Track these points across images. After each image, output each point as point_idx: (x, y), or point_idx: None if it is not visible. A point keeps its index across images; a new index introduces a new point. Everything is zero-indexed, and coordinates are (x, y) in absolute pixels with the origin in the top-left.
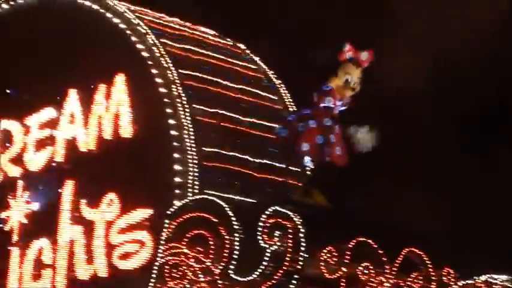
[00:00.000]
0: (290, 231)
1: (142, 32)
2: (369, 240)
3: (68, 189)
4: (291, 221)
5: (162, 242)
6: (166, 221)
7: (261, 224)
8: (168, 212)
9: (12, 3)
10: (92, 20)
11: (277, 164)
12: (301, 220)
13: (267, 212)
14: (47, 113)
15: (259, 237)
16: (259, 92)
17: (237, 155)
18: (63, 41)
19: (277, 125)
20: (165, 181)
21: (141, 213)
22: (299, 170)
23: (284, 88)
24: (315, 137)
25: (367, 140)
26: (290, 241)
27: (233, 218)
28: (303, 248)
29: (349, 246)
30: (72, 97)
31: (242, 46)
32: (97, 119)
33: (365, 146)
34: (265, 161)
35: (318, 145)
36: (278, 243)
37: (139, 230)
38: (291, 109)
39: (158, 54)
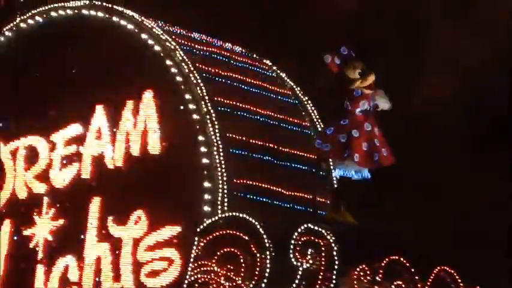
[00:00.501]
0: (323, 249)
1: (171, 47)
2: (401, 259)
3: (94, 206)
4: (324, 238)
5: (191, 259)
6: (196, 238)
7: (292, 241)
8: (198, 230)
9: (45, 16)
10: (119, 36)
11: (306, 182)
12: (334, 238)
13: (299, 230)
14: (74, 129)
15: (291, 255)
16: (288, 108)
17: (266, 172)
18: (90, 56)
19: (305, 142)
20: (194, 198)
21: (170, 231)
22: (326, 187)
23: (311, 104)
24: (362, 146)
25: (385, 102)
26: (323, 259)
27: (264, 236)
28: (336, 267)
29: (382, 264)
30: (99, 113)
31: (268, 62)
32: (124, 135)
33: (385, 106)
34: (294, 178)
35: (366, 152)
36: (310, 261)
37: (167, 248)
38: (318, 125)
39: (187, 71)
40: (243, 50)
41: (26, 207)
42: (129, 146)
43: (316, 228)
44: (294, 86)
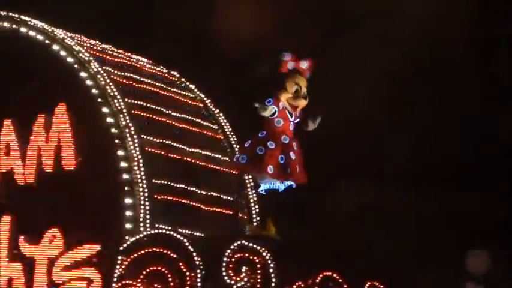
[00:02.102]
0: (258, 266)
1: (85, 59)
2: (334, 274)
3: (4, 225)
4: (260, 255)
5: (114, 279)
6: (119, 257)
7: (225, 259)
8: (121, 248)
9: None
10: (28, 47)
11: (223, 196)
12: (270, 254)
13: (232, 247)
14: None
15: (224, 273)
16: (201, 121)
17: (185, 187)
18: None
19: (219, 155)
20: (114, 215)
21: (88, 250)
22: (244, 201)
23: (223, 117)
24: (277, 158)
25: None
26: (259, 277)
27: (194, 253)
28: (273, 284)
29: (317, 281)
30: (7, 128)
31: (176, 73)
32: (36, 150)
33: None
34: (211, 193)
35: (280, 165)
36: (245, 279)
37: (86, 267)
38: (231, 138)
39: (103, 83)
40: (149, 61)
41: None
42: (41, 161)
43: (250, 244)
44: (205, 98)
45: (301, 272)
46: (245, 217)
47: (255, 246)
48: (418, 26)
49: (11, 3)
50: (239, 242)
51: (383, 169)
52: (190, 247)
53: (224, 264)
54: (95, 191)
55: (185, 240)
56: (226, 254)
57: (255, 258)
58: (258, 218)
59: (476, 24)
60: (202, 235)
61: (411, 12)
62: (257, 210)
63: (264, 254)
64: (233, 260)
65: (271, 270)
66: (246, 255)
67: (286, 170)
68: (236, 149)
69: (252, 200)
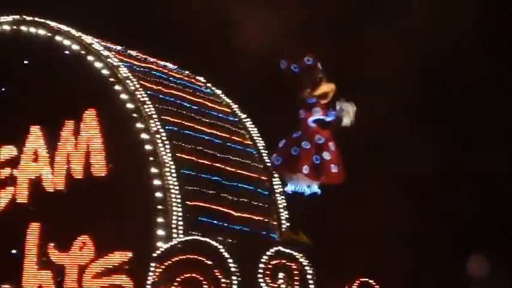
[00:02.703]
0: (296, 272)
1: (114, 64)
2: (371, 281)
3: (33, 232)
4: (297, 261)
5: (148, 287)
6: (153, 264)
7: (262, 265)
8: (155, 255)
9: None
10: (56, 52)
11: (253, 202)
12: (307, 260)
13: (268, 253)
14: (6, 151)
15: (260, 280)
16: (229, 127)
17: (215, 193)
18: (24, 74)
19: (248, 161)
20: (146, 222)
21: (119, 257)
22: (273, 207)
23: (250, 121)
24: (312, 158)
25: (346, 117)
26: (296, 283)
27: (229, 260)
28: None
29: (354, 286)
30: (35, 134)
31: (202, 79)
32: (65, 157)
33: (346, 120)
34: (241, 198)
35: (315, 165)
36: (282, 286)
37: (118, 275)
38: (259, 143)
39: (133, 88)
40: (176, 67)
41: None
42: (70, 167)
43: (288, 251)
44: (231, 103)
45: (337, 278)
46: (275, 223)
47: (292, 252)
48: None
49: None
50: (276, 248)
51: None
52: (225, 253)
53: (261, 270)
54: (126, 198)
55: (220, 247)
56: (263, 260)
57: (292, 264)
58: (287, 224)
59: None
60: (236, 241)
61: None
62: (286, 215)
63: (302, 260)
64: (270, 266)
65: (309, 276)
66: (283, 261)
67: (320, 171)
68: (264, 154)
69: (281, 206)
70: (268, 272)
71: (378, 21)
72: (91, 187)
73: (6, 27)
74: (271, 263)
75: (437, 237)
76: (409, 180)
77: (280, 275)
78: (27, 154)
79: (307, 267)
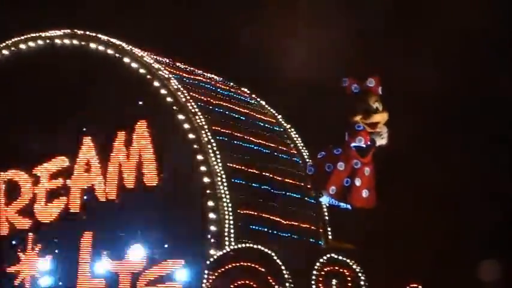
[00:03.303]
0: (349, 279)
1: (165, 76)
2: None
3: (86, 241)
4: (350, 268)
5: None
6: (206, 271)
7: (315, 272)
8: (208, 262)
9: (14, 49)
10: (108, 65)
11: (299, 210)
12: (359, 267)
13: (321, 260)
14: (59, 162)
15: (313, 286)
16: (275, 137)
17: (265, 201)
18: (76, 86)
19: (294, 169)
20: (198, 230)
21: (172, 264)
22: (316, 215)
23: (294, 132)
24: (343, 181)
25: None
26: None
27: (282, 267)
28: None
29: None
30: (87, 145)
31: (246, 90)
32: (117, 167)
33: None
34: (289, 207)
35: (343, 188)
36: None
37: (171, 282)
38: (303, 152)
39: (184, 100)
40: (221, 79)
41: (9, 243)
42: (123, 177)
43: (340, 257)
44: (275, 113)
45: (388, 284)
46: (321, 230)
47: (344, 259)
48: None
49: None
50: (329, 256)
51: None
52: (278, 261)
53: (314, 277)
54: (178, 207)
55: (273, 254)
56: (316, 267)
57: (345, 270)
58: (331, 232)
59: None
60: (288, 249)
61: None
62: (330, 223)
63: (354, 266)
64: (323, 273)
65: (361, 282)
66: (336, 268)
67: (347, 194)
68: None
69: (326, 214)
70: (321, 279)
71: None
72: (143, 197)
73: (76, 42)
74: (325, 269)
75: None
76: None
77: (333, 281)
78: (79, 165)
79: (359, 274)
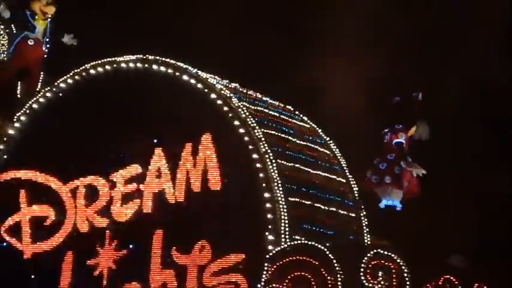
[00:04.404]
0: (394, 271)
1: (227, 95)
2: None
3: (157, 238)
4: (394, 262)
5: (262, 283)
6: (266, 264)
7: (363, 265)
8: (268, 256)
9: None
10: (178, 86)
11: (341, 211)
12: (403, 261)
13: (369, 254)
14: (133, 169)
15: (362, 278)
16: (317, 148)
17: (312, 203)
18: (151, 103)
19: (335, 176)
20: (258, 228)
21: (234, 258)
22: (355, 215)
23: (333, 143)
24: (411, 173)
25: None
26: (394, 281)
27: (334, 260)
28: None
29: (440, 283)
30: (158, 155)
31: (291, 107)
32: (185, 173)
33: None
34: (332, 208)
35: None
36: (382, 283)
37: (233, 273)
38: (342, 161)
39: (243, 116)
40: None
41: (89, 239)
42: (190, 183)
43: (386, 252)
44: (316, 127)
45: (427, 276)
46: (358, 228)
47: (390, 253)
48: None
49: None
50: (375, 251)
51: None
52: (330, 255)
53: (362, 270)
54: (240, 208)
55: (326, 249)
56: (364, 260)
57: (390, 264)
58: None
59: None
60: (339, 244)
61: None
62: (367, 223)
63: (398, 260)
64: (370, 265)
65: (405, 274)
66: (382, 261)
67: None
68: (346, 170)
69: (362, 214)
70: (369, 271)
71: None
72: (208, 199)
73: (139, 65)
74: (372, 262)
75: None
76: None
77: (380, 273)
78: (151, 172)
79: (403, 267)
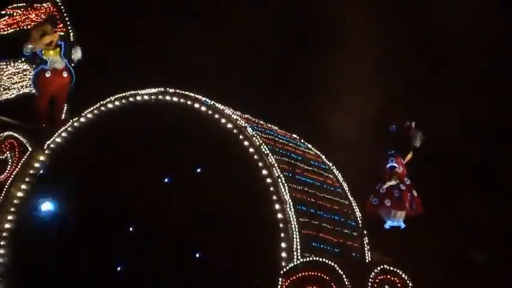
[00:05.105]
0: (399, 285)
1: (242, 125)
2: None
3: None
4: (400, 277)
5: None
6: (280, 279)
7: (370, 280)
8: (282, 272)
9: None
10: (195, 116)
11: (345, 230)
12: (408, 276)
13: (375, 270)
14: None
15: None
16: (322, 172)
17: (319, 223)
18: (160, 131)
19: (338, 198)
20: (271, 247)
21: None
22: (357, 234)
23: (335, 168)
24: (408, 196)
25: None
26: None
27: (344, 276)
28: None
29: None
30: None
31: (296, 136)
32: None
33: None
34: (337, 228)
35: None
36: None
37: None
38: (344, 185)
39: (258, 143)
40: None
41: None
42: None
43: (392, 268)
44: (319, 154)
45: None
46: (360, 247)
47: (395, 269)
48: None
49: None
50: (382, 267)
51: None
52: (340, 270)
53: (369, 285)
54: (255, 228)
55: (336, 265)
56: (371, 276)
57: (396, 279)
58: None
59: None
60: (347, 261)
61: None
62: (367, 241)
63: (404, 275)
64: (377, 281)
65: None
66: (388, 276)
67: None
68: (348, 193)
69: (364, 234)
70: (376, 286)
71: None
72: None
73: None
74: (379, 278)
75: None
76: None
77: (386, 287)
78: None
79: (408, 282)
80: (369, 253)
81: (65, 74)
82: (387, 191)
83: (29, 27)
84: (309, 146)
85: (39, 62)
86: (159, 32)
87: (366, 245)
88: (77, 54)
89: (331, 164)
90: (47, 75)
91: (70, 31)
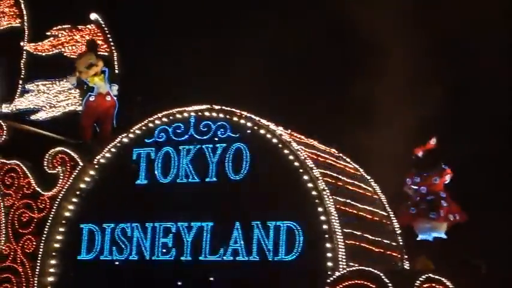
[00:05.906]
0: None
1: (287, 140)
2: None
3: None
4: (444, 285)
5: None
6: (327, 287)
7: None
8: (328, 281)
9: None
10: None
11: (385, 240)
12: (453, 285)
13: (421, 278)
14: None
15: None
16: (361, 184)
17: (361, 234)
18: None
19: (378, 210)
20: (319, 256)
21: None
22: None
23: (373, 181)
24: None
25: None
26: None
27: (389, 284)
28: None
29: None
30: None
31: (334, 150)
32: None
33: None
34: (377, 238)
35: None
36: None
37: None
38: (381, 196)
39: (302, 158)
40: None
41: None
42: None
43: (436, 277)
44: (358, 167)
45: None
46: (399, 255)
47: (440, 278)
48: None
49: None
50: (427, 275)
51: None
52: (386, 279)
53: None
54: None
55: (381, 274)
56: (417, 284)
57: (441, 287)
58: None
59: None
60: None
61: None
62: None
63: (448, 283)
64: None
65: None
66: (433, 285)
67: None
68: (385, 204)
69: (401, 243)
70: None
71: None
72: None
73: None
74: (423, 286)
75: None
76: None
77: None
78: None
79: None
80: (408, 262)
81: (108, 98)
82: (425, 204)
83: (73, 47)
84: (347, 159)
85: (85, 89)
86: (198, 48)
87: (404, 254)
88: (114, 91)
89: (369, 178)
90: (91, 99)
91: (114, 51)
